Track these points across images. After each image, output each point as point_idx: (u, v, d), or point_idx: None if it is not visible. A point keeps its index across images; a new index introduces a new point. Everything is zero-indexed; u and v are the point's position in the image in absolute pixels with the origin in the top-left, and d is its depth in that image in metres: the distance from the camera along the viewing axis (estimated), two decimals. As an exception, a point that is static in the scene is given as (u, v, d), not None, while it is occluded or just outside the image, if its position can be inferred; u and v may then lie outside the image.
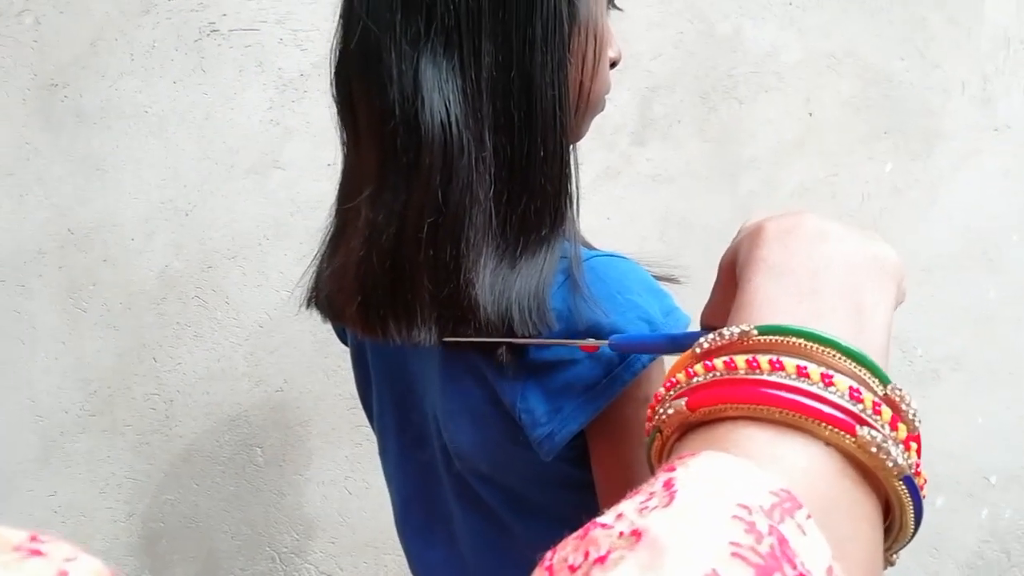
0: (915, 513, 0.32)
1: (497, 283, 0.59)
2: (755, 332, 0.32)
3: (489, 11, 0.57)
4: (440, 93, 0.58)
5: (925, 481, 0.32)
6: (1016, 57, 1.47)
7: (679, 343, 0.48)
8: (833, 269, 0.35)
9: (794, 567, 0.24)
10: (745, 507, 0.25)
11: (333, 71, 0.65)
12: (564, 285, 0.61)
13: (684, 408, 0.32)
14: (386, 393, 0.81)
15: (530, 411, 0.62)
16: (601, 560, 0.25)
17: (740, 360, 0.32)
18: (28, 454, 1.43)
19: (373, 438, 1.47)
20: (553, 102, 0.59)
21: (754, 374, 0.31)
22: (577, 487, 0.69)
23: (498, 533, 0.74)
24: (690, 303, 0.64)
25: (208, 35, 1.34)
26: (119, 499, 1.47)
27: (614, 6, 0.67)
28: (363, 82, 0.61)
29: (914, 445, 0.31)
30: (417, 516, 0.83)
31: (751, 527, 0.24)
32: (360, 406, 1.45)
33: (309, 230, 1.41)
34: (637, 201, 1.46)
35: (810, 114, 1.46)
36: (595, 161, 1.43)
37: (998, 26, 1.45)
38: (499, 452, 0.68)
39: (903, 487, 0.30)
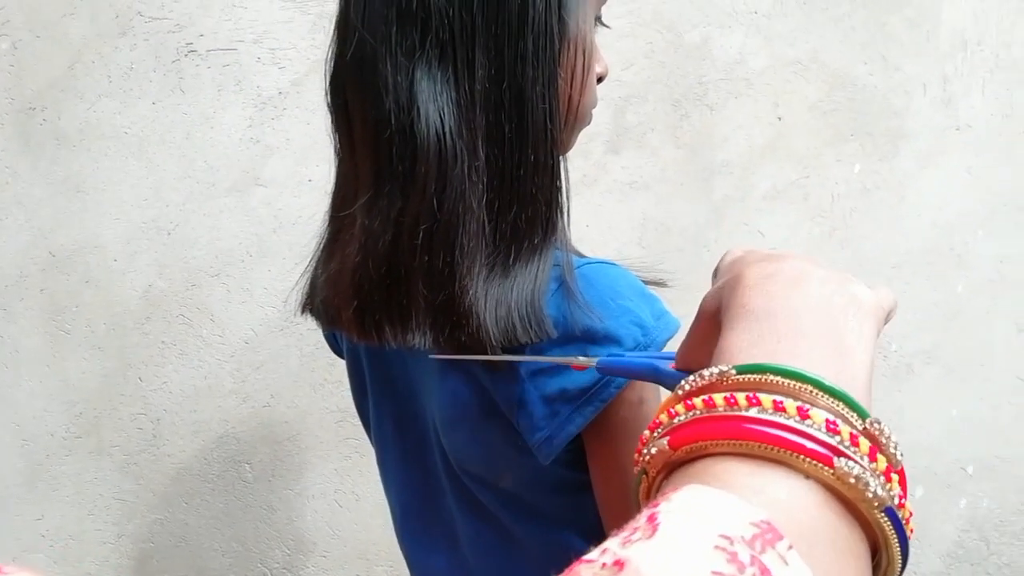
0: (901, 546, 0.32)
1: (492, 290, 0.61)
2: (733, 372, 0.33)
3: (483, 25, 0.59)
4: (435, 104, 0.59)
5: (911, 515, 0.32)
6: (974, 59, 1.52)
7: (661, 375, 0.50)
8: (812, 311, 0.36)
9: None
10: (727, 538, 0.26)
11: (328, 80, 0.66)
12: (558, 292, 0.63)
13: (666, 447, 0.33)
14: (384, 402, 0.82)
15: (527, 416, 0.64)
16: None
17: (719, 398, 0.33)
18: (15, 478, 1.42)
19: (362, 451, 1.49)
20: (544, 114, 0.61)
21: (733, 411, 0.32)
22: (575, 489, 0.70)
23: (499, 536, 0.75)
24: (673, 305, 0.66)
25: (186, 55, 1.35)
26: (108, 520, 1.46)
27: (601, 23, 0.69)
28: (359, 91, 0.63)
29: (896, 478, 0.32)
30: (418, 523, 0.84)
31: (733, 557, 0.25)
32: (347, 419, 1.48)
33: (292, 246, 1.42)
34: (614, 208, 1.49)
35: (779, 119, 1.50)
36: (572, 170, 1.44)
37: (956, 29, 1.51)
38: (498, 457, 0.70)
39: (885, 519, 0.30)
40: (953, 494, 1.67)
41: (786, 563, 0.26)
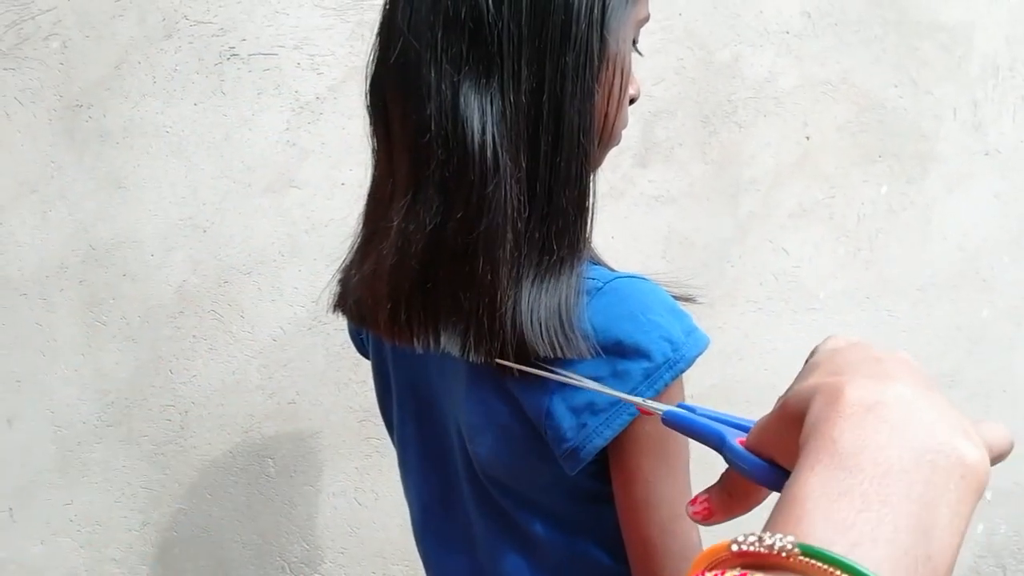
0: None
1: (526, 301, 0.62)
2: (798, 552, 0.29)
3: (527, 39, 0.60)
4: (480, 114, 0.61)
5: None
6: (1004, 84, 1.52)
7: (726, 449, 0.47)
8: (908, 472, 0.30)
9: None
10: None
11: (368, 83, 0.68)
12: (588, 305, 0.64)
13: None
14: (408, 404, 0.83)
15: (556, 427, 0.65)
16: None
17: None
18: (47, 463, 1.46)
19: (383, 450, 1.52)
20: (579, 130, 0.62)
21: None
22: (597, 499, 0.71)
23: (517, 542, 0.76)
24: (696, 320, 0.68)
25: (228, 59, 1.39)
26: (134, 508, 1.50)
27: (636, 50, 0.70)
28: (400, 94, 0.64)
29: None
30: (437, 525, 0.84)
31: None
32: (370, 419, 1.50)
33: (323, 247, 1.45)
34: (640, 221, 1.51)
35: (807, 138, 1.51)
36: (599, 182, 1.47)
37: (987, 54, 1.51)
38: (523, 465, 0.70)
39: None
40: (971, 519, 1.66)
41: None
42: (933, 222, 1.55)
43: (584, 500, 0.72)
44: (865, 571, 0.27)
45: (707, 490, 0.43)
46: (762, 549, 0.30)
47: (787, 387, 0.40)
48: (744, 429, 0.45)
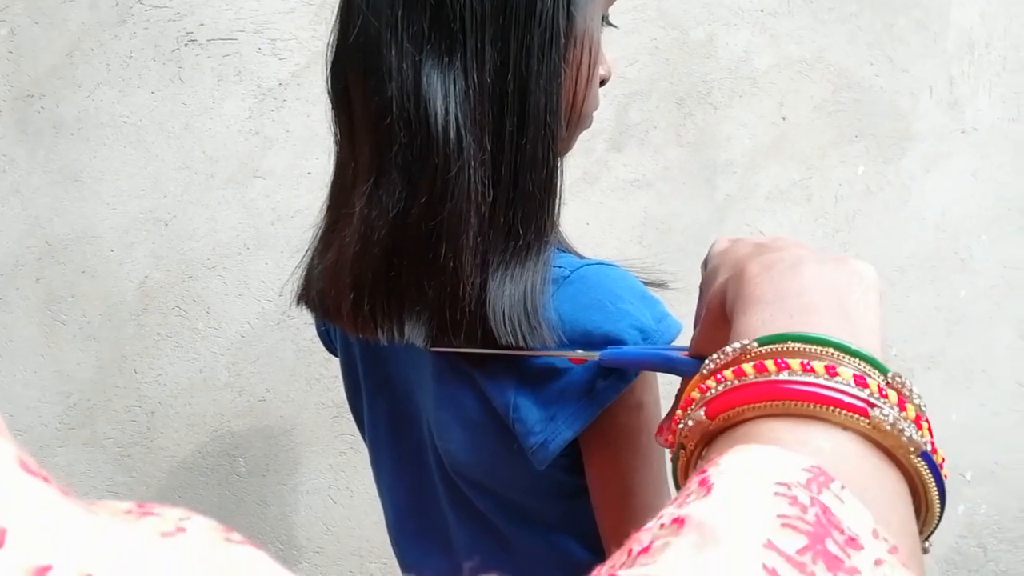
0: (939, 490, 0.33)
1: (491, 289, 0.60)
2: (755, 344, 0.34)
3: (491, 16, 0.58)
4: (443, 94, 0.58)
5: (944, 460, 0.33)
6: (981, 61, 1.51)
7: (672, 362, 0.49)
8: (818, 289, 0.37)
9: (842, 532, 0.25)
10: (784, 484, 0.26)
11: (329, 65, 0.65)
12: (555, 295, 0.62)
13: (703, 418, 0.34)
14: (378, 402, 0.81)
15: (523, 419, 0.63)
16: (645, 550, 0.25)
17: (748, 367, 0.34)
18: (6, 469, 1.41)
19: (357, 447, 1.48)
20: (546, 110, 0.60)
21: (763, 376, 0.33)
22: (571, 494, 0.69)
23: (494, 540, 0.74)
24: (674, 306, 0.65)
25: (186, 45, 1.34)
26: (100, 513, 1.46)
27: (608, 22, 0.68)
28: (361, 76, 0.61)
29: (925, 424, 0.33)
30: (412, 525, 0.83)
31: (794, 500, 0.25)
32: (342, 415, 1.47)
33: (290, 239, 1.41)
34: (615, 206, 1.48)
35: (783, 118, 1.49)
36: (573, 167, 1.45)
37: (963, 30, 1.49)
38: (492, 460, 0.69)
39: (923, 463, 0.32)
40: (951, 500, 1.65)
41: (843, 502, 0.26)
42: (911, 202, 1.54)
43: (558, 495, 0.71)
44: (810, 334, 0.34)
45: (667, 415, 0.46)
46: (728, 358, 0.35)
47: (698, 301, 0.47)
48: (670, 360, 0.49)
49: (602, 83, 0.68)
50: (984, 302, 1.58)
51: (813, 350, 0.33)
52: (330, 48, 0.65)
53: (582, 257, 0.69)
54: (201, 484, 1.47)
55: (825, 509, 0.25)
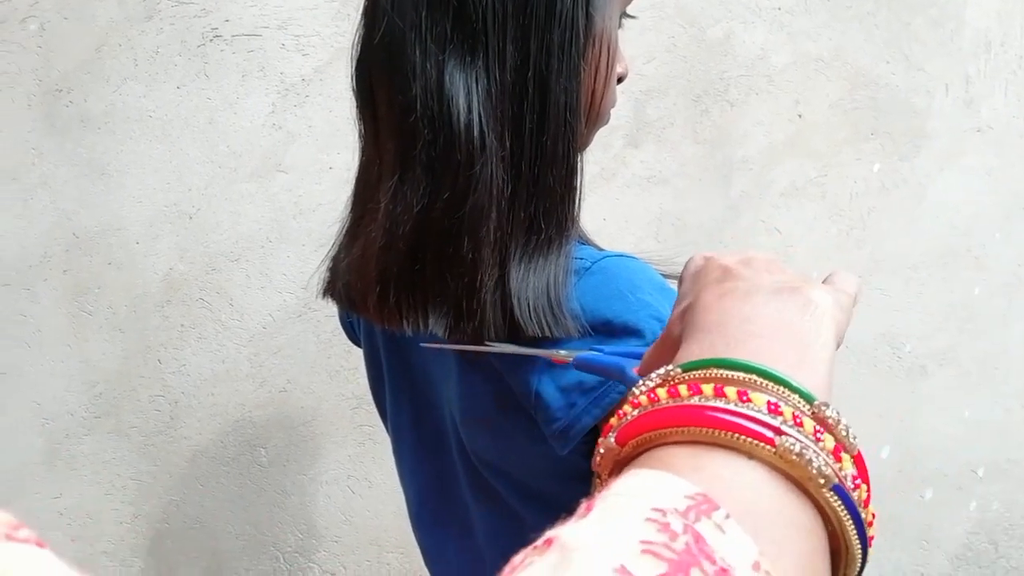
0: (856, 528, 0.31)
1: (513, 282, 0.61)
2: (679, 370, 0.34)
3: (512, 16, 0.59)
4: (465, 93, 0.60)
5: (868, 498, 0.32)
6: (997, 60, 1.52)
7: (626, 379, 0.50)
8: (765, 317, 0.36)
9: (713, 562, 0.24)
10: (659, 510, 0.25)
11: (354, 64, 0.67)
12: (577, 286, 0.63)
13: (614, 445, 0.33)
14: (401, 391, 0.83)
15: (545, 407, 0.64)
16: (514, 568, 0.26)
17: (662, 392, 0.33)
18: (34, 457, 1.44)
19: (376, 438, 1.50)
20: (566, 108, 0.61)
21: (676, 401, 0.32)
22: (589, 479, 0.71)
23: (514, 526, 0.75)
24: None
25: (211, 40, 1.36)
26: (124, 500, 1.48)
27: (627, 15, 0.69)
28: (385, 76, 0.63)
29: (847, 459, 0.31)
30: (433, 512, 0.84)
31: (665, 527, 0.25)
32: (362, 406, 1.49)
33: (311, 232, 1.43)
34: (632, 202, 1.50)
35: (800, 116, 1.50)
36: (590, 163, 1.46)
37: (979, 29, 1.50)
38: (515, 447, 0.70)
39: (834, 497, 0.30)
40: (963, 496, 1.67)
41: (723, 531, 0.25)
42: (925, 200, 1.55)
43: (577, 480, 0.72)
44: (729, 359, 0.33)
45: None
46: (652, 384, 0.34)
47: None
48: (624, 376, 0.50)
49: (620, 80, 0.70)
50: (998, 299, 1.59)
51: (732, 376, 0.32)
52: (355, 47, 0.67)
53: (602, 250, 0.70)
54: (223, 473, 1.50)
55: (698, 538, 0.25)
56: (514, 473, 0.73)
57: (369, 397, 0.90)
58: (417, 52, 0.60)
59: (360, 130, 0.69)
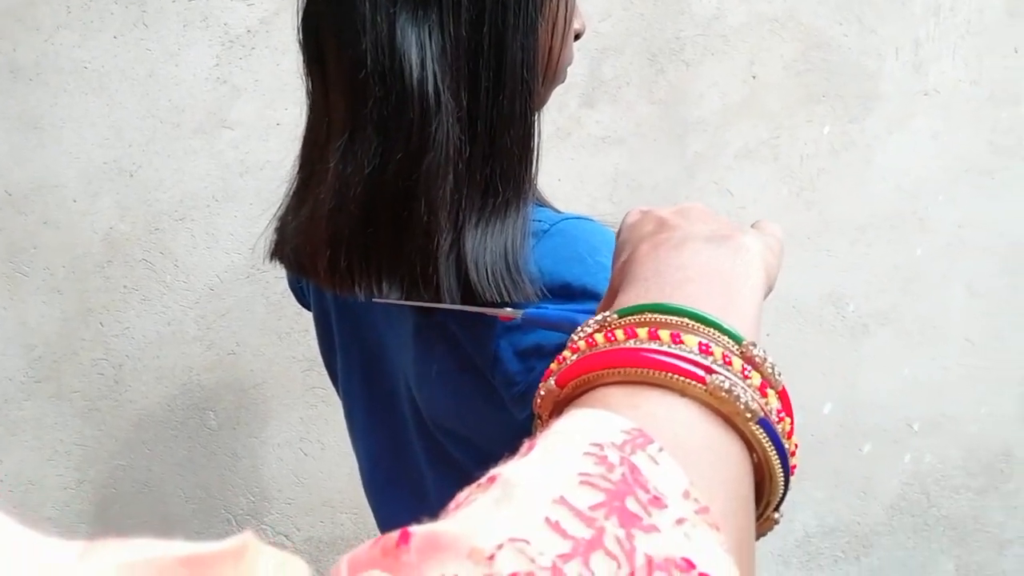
0: (780, 457, 0.33)
1: (468, 244, 0.60)
2: (615, 316, 0.35)
3: None
4: (418, 48, 0.57)
5: (792, 431, 0.34)
6: (946, 23, 1.53)
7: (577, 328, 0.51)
8: (697, 263, 0.38)
9: (647, 491, 0.25)
10: (597, 444, 0.27)
11: (300, 16, 0.64)
12: (534, 248, 0.62)
13: (553, 387, 0.35)
14: (353, 356, 0.81)
15: (504, 371, 0.63)
16: (459, 505, 0.27)
17: (599, 337, 0.34)
18: (-30, 422, 1.39)
19: (327, 400, 1.49)
20: (522, 65, 0.59)
21: (612, 345, 0.34)
22: None
23: None
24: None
25: (149, -12, 1.29)
26: (68, 466, 1.44)
27: None
28: (333, 28, 0.60)
29: (772, 394, 0.33)
30: (386, 478, 0.83)
31: (602, 460, 0.26)
32: (313, 368, 1.47)
33: (259, 191, 1.39)
34: (587, 162, 1.49)
35: (754, 77, 1.51)
36: (545, 123, 1.43)
37: (930, -7, 1.51)
38: (474, 413, 0.69)
39: (760, 430, 0.32)
40: (899, 449, 1.73)
41: (656, 463, 0.27)
42: (874, 162, 1.57)
43: None
44: (662, 304, 0.34)
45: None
46: (590, 330, 0.36)
47: None
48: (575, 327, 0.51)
49: (576, 37, 0.68)
50: (939, 261, 1.64)
51: (665, 319, 0.33)
52: None
53: (560, 212, 0.69)
54: (171, 437, 1.47)
55: (634, 469, 0.26)
56: (472, 437, 0.72)
57: (320, 360, 0.89)
58: (367, 4, 0.58)
59: (308, 86, 0.66)
